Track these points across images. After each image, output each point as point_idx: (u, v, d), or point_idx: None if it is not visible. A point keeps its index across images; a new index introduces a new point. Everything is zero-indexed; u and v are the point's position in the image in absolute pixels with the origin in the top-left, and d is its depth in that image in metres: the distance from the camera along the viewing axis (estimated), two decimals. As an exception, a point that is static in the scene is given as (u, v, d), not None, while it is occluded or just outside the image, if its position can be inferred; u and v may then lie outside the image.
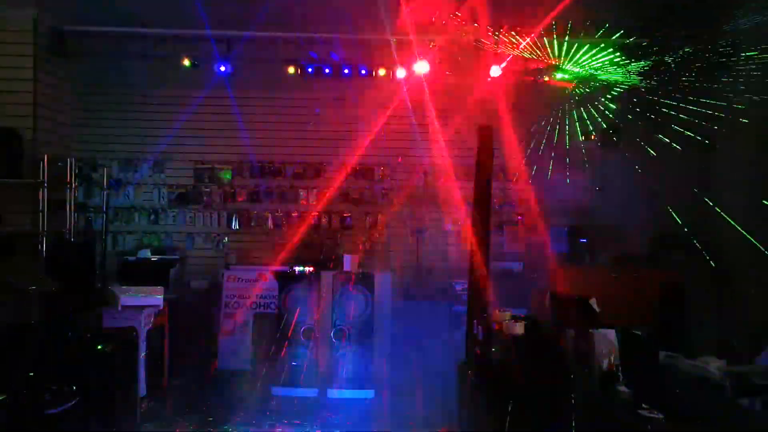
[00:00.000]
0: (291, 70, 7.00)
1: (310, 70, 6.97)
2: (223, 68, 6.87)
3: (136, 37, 6.72)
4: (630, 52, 6.38)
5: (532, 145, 7.52)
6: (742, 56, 5.72)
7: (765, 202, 5.34)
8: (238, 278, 7.24)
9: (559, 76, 6.82)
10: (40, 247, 5.99)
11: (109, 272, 7.04)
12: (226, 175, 8.00)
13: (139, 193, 7.97)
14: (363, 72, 6.98)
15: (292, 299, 6.33)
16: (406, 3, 5.92)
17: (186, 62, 6.86)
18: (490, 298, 4.85)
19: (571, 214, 7.50)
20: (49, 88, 6.61)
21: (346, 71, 6.98)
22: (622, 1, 5.99)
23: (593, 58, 6.52)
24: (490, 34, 6.41)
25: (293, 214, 8.03)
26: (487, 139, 5.06)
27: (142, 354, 5.39)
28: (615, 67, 6.45)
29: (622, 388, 3.20)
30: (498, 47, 6.57)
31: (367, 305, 6.35)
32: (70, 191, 6.33)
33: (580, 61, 6.58)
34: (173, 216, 7.97)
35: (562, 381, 3.46)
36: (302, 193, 8.03)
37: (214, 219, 8.02)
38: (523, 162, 7.65)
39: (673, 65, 6.17)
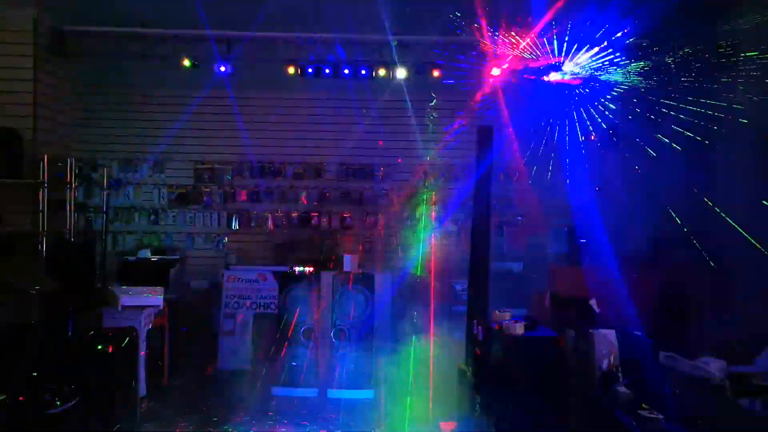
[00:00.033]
0: (291, 70, 7.00)
1: (310, 70, 6.96)
2: (223, 68, 6.87)
3: (136, 37, 6.72)
4: (630, 52, 6.38)
5: (532, 145, 7.51)
6: (742, 56, 5.72)
7: (765, 202, 5.34)
8: (238, 278, 7.24)
9: (559, 76, 6.82)
10: (40, 247, 5.99)
11: (109, 272, 7.03)
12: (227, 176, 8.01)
13: (139, 193, 7.97)
14: (363, 72, 6.98)
15: (292, 299, 6.32)
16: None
17: (186, 62, 6.86)
18: (489, 298, 4.85)
19: (570, 215, 7.48)
20: (49, 88, 6.61)
21: (346, 71, 6.98)
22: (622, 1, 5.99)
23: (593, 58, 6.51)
24: (490, 34, 6.41)
25: (293, 214, 8.04)
26: (487, 139, 5.07)
27: (142, 354, 5.39)
28: (615, 67, 6.44)
29: (622, 388, 3.21)
30: (498, 47, 6.57)
31: (367, 305, 6.35)
32: (70, 191, 6.32)
33: (579, 61, 6.57)
34: (173, 216, 7.98)
35: (562, 381, 3.46)
36: (302, 193, 8.04)
37: (214, 219, 8.03)
38: (523, 162, 7.64)
39: (673, 65, 6.17)
